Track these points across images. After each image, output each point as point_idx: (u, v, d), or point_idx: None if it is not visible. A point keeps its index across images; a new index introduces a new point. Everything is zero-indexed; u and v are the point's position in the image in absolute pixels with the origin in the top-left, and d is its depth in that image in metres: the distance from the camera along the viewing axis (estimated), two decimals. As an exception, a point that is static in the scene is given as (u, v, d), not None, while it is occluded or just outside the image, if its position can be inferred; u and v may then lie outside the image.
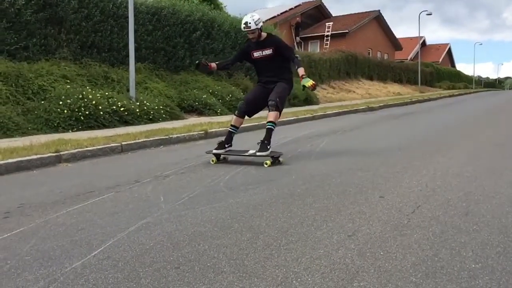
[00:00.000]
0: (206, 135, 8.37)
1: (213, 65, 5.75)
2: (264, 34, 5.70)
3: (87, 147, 6.34)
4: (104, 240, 2.82)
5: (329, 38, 31.62)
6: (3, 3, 9.48)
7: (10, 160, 5.37)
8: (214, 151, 5.63)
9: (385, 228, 2.96)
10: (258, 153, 5.39)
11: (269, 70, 5.74)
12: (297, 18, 32.17)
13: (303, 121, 11.67)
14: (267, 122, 5.57)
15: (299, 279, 2.21)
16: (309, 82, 5.49)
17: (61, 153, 5.90)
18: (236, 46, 15.17)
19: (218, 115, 12.39)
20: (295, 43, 30.80)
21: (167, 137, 7.59)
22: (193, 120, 11.09)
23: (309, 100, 17.79)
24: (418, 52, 37.81)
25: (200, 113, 12.29)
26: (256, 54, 5.73)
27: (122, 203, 3.76)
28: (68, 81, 10.01)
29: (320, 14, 35.09)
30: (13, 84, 9.01)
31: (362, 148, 6.83)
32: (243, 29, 5.55)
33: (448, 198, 3.71)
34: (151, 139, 7.34)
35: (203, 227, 3.05)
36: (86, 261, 2.48)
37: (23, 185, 4.68)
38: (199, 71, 5.26)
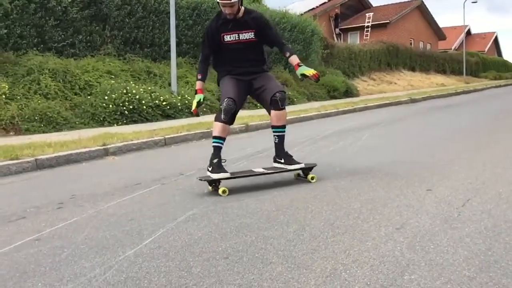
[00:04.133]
0: (247, 128, 8.43)
1: (202, 85, 4.20)
2: (242, 9, 4.03)
3: (132, 140, 6.51)
4: (154, 230, 2.89)
5: (369, 29, 30.98)
6: (50, 2, 9.82)
7: (60, 153, 5.60)
8: (217, 176, 3.84)
9: (435, 221, 2.90)
10: (290, 167, 4.13)
11: (244, 60, 4.12)
12: (336, 10, 31.66)
13: (343, 114, 11.53)
14: (277, 128, 4.12)
15: (348, 271, 2.20)
16: (310, 71, 4.00)
17: (108, 146, 6.09)
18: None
19: (257, 108, 12.32)
20: (334, 35, 30.37)
21: (208, 130, 7.66)
22: (233, 113, 11.14)
23: (349, 92, 17.58)
24: (462, 42, 36.52)
25: (240, 107, 12.32)
26: (229, 37, 4.03)
27: (169, 194, 3.85)
28: (113, 76, 10.31)
29: (360, 4, 34.39)
30: (61, 80, 9.36)
31: (406, 141, 6.69)
32: (219, 1, 3.87)
33: (500, 191, 3.58)
34: (193, 132, 7.46)
35: (249, 218, 3.08)
36: (138, 250, 2.56)
37: (73, 177, 4.86)
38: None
